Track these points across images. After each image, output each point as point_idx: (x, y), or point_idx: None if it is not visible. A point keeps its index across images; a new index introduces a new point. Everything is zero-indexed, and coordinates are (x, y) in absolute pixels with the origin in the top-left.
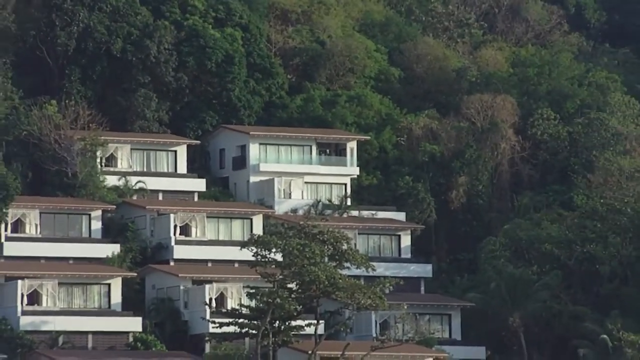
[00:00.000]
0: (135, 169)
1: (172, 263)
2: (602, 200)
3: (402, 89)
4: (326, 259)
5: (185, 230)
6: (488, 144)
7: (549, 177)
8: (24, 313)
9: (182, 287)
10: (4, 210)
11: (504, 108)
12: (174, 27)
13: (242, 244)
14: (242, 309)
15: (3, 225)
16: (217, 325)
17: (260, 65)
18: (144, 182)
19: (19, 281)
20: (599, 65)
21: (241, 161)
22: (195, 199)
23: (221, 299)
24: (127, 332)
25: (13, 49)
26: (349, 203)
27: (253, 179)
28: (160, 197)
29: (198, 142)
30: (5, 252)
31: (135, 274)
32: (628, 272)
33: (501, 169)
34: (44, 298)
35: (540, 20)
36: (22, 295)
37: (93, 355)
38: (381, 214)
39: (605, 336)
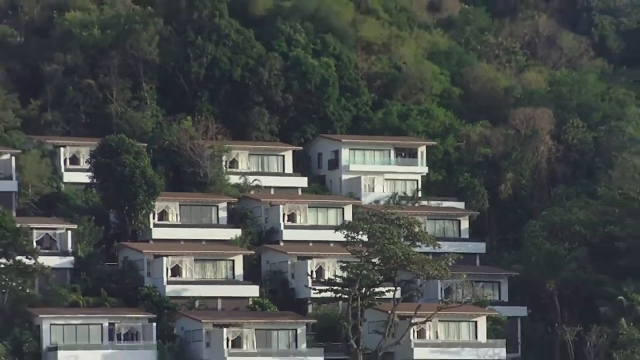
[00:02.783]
0: (252, 170)
1: (281, 243)
2: (620, 191)
3: (462, 104)
4: (402, 239)
5: (291, 217)
6: (530, 147)
7: (578, 173)
8: (169, 283)
9: (289, 262)
10: (152, 203)
11: (542, 119)
12: (281, 57)
13: (336, 228)
14: (337, 278)
15: (151, 215)
16: (317, 291)
17: (350, 87)
18: (259, 180)
19: (164, 258)
20: (618, 83)
21: (335, 163)
22: (299, 193)
23: (320, 271)
24: (248, 297)
25: (157, 76)
26: (419, 195)
27: (344, 177)
28: (272, 192)
29: (301, 148)
30: (154, 236)
31: (253, 252)
32: None
33: (540, 167)
34: (184, 271)
35: (572, 48)
36: (167, 270)
37: (221, 315)
38: (445, 204)
39: (621, 297)
